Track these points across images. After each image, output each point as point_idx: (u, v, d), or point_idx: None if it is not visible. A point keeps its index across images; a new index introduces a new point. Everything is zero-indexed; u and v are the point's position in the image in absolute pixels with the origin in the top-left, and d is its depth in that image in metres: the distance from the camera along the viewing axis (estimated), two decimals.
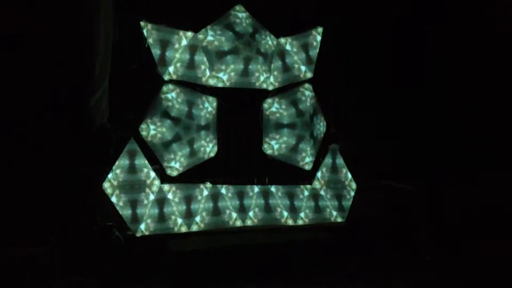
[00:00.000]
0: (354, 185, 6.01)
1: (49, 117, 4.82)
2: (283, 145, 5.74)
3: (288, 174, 5.81)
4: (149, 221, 4.96)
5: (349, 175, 6.03)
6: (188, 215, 5.19)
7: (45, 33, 4.61)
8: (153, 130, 5.08)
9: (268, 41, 5.72)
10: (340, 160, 6.02)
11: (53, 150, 4.83)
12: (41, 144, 4.79)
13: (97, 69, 4.82)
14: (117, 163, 4.87)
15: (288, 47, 5.87)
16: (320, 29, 6.04)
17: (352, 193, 5.98)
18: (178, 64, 5.27)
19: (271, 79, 5.73)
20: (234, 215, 5.41)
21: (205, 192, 5.34)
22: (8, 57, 4.60)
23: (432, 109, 7.10)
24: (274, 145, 5.71)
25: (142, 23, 5.11)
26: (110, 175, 4.83)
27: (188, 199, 5.21)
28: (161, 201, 5.06)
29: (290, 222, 5.64)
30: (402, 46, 6.91)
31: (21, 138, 4.76)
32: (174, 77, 5.25)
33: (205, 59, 5.40)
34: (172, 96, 5.21)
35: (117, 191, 4.84)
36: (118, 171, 4.87)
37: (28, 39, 4.61)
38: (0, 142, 4.67)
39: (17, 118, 4.76)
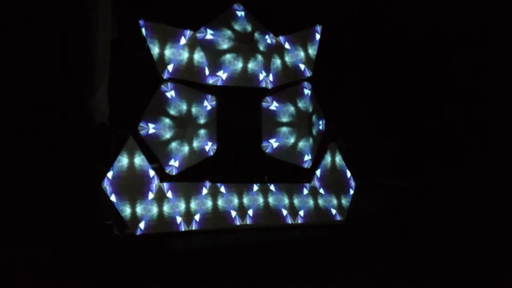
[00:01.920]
0: (353, 184, 6.01)
1: (49, 116, 4.82)
2: (282, 144, 5.74)
3: (287, 172, 5.81)
4: (148, 220, 4.95)
5: (348, 174, 6.03)
6: (188, 214, 5.18)
7: (44, 33, 4.61)
8: (152, 128, 5.07)
9: (267, 40, 5.71)
10: (339, 159, 6.03)
11: (53, 149, 4.84)
12: (41, 143, 4.80)
13: (97, 68, 4.83)
14: (116, 161, 4.85)
15: (287, 45, 5.87)
16: (319, 28, 6.05)
17: (351, 192, 5.99)
18: (177, 63, 5.26)
19: (270, 77, 5.73)
20: (234, 213, 5.41)
21: (205, 191, 5.34)
22: (7, 57, 4.60)
23: (433, 107, 7.11)
24: (273, 144, 5.71)
25: (141, 22, 5.10)
26: (109, 174, 4.82)
27: (187, 198, 5.21)
28: (160, 199, 5.05)
29: (289, 220, 5.64)
30: (402, 44, 6.92)
31: (21, 138, 4.77)
32: (173, 75, 5.25)
33: (204, 57, 5.40)
34: (171, 94, 5.20)
35: (116, 190, 4.83)
36: (117, 169, 4.85)
37: (27, 39, 4.61)
38: (0, 141, 4.68)
39: (17, 118, 4.77)
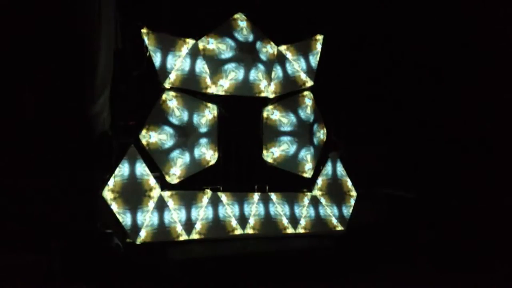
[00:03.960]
0: (354, 193, 6.00)
1: (50, 124, 4.83)
2: (283, 153, 5.74)
3: (288, 181, 5.80)
4: (149, 228, 4.94)
5: (349, 183, 6.02)
6: (188, 223, 5.16)
7: (46, 41, 4.62)
8: (153, 137, 5.07)
9: (269, 49, 5.74)
10: (340, 168, 6.02)
11: (54, 157, 4.84)
12: (42, 151, 4.80)
13: (99, 76, 4.84)
14: (117, 170, 4.84)
15: (288, 55, 5.89)
16: (320, 37, 6.07)
17: (353, 201, 5.97)
18: (179, 72, 5.27)
19: (272, 87, 5.74)
20: (234, 222, 5.40)
21: (205, 200, 5.33)
22: (10, 64, 4.61)
23: (435, 115, 7.11)
24: (274, 153, 5.71)
25: (143, 31, 5.12)
26: (110, 182, 4.82)
27: (188, 207, 5.20)
28: (161, 208, 5.04)
29: (290, 230, 5.62)
30: (403, 52, 6.94)
31: (22, 145, 4.77)
32: (175, 84, 5.26)
33: (205, 66, 5.42)
34: (172, 103, 5.21)
35: (117, 199, 4.82)
36: (118, 178, 4.84)
37: (30, 46, 4.63)
38: (2, 148, 4.68)
39: (18, 125, 4.77)
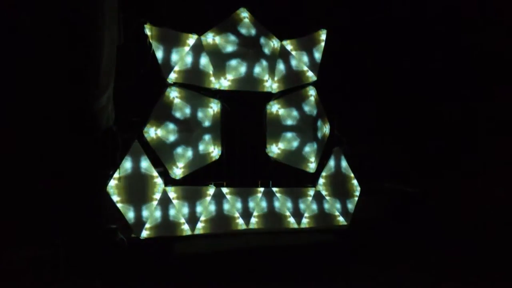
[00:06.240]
0: (358, 188, 6.00)
1: (55, 120, 4.84)
2: (287, 148, 5.74)
3: (292, 176, 5.81)
4: (153, 223, 4.97)
5: (353, 178, 6.02)
6: (192, 218, 5.19)
7: (50, 37, 4.63)
8: (157, 133, 5.09)
9: (272, 44, 5.72)
10: (344, 163, 6.02)
11: (58, 153, 4.86)
12: (47, 147, 4.82)
13: (103, 72, 4.84)
14: (121, 166, 4.87)
15: (292, 50, 5.88)
16: (324, 32, 6.05)
17: (356, 196, 5.97)
18: (182, 67, 5.28)
19: (275, 81, 5.73)
20: (238, 218, 5.42)
21: (209, 195, 5.35)
22: (14, 61, 4.62)
23: (437, 111, 7.10)
24: (278, 148, 5.71)
25: (146, 26, 5.12)
26: (114, 178, 4.84)
27: (192, 202, 5.22)
28: (165, 204, 5.07)
29: (294, 225, 5.64)
30: (406, 49, 6.92)
31: (27, 141, 4.79)
32: (178, 80, 5.26)
33: (209, 62, 5.41)
34: (176, 99, 5.22)
35: (121, 194, 4.85)
36: (122, 174, 4.87)
37: (34, 43, 4.63)
38: (6, 145, 4.70)
39: (23, 121, 4.79)
